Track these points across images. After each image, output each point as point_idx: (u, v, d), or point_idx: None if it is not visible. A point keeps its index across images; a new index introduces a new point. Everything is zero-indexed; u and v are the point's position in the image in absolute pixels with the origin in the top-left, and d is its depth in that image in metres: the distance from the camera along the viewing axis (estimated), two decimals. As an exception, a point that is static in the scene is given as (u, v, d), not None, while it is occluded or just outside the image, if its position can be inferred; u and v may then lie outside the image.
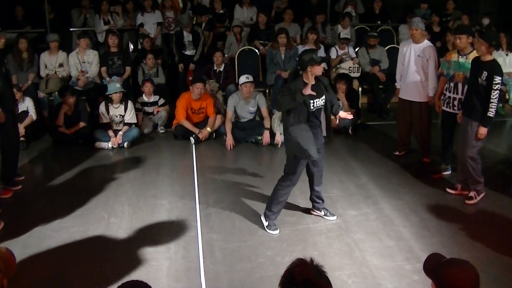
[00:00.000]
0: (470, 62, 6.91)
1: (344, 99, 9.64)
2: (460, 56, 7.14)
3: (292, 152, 5.79)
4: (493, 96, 6.30)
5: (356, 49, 11.52)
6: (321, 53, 10.91)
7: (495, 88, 6.28)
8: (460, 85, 7.13)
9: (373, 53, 11.19)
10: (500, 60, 10.69)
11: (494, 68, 6.37)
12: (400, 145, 8.52)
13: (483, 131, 6.48)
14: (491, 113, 6.38)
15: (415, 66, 7.83)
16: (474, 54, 6.89)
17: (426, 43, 7.87)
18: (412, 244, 5.79)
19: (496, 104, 6.38)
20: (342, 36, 11.39)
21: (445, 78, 7.38)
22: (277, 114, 8.98)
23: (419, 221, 6.34)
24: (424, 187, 7.33)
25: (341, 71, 10.82)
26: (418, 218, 6.41)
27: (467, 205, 6.78)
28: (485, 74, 6.34)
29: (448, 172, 7.70)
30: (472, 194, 6.83)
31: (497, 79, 6.27)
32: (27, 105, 8.94)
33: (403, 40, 11.41)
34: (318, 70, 5.72)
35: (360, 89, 11.07)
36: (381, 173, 7.83)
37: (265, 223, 6.08)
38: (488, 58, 6.44)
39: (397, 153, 8.52)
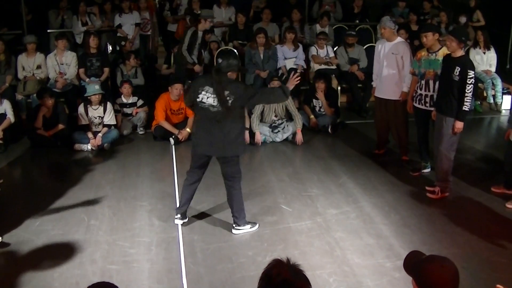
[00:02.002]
0: (440, 59, 7.02)
1: (323, 98, 9.67)
2: (430, 54, 7.22)
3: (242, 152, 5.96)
4: (467, 90, 6.37)
5: (335, 48, 11.54)
6: (300, 52, 10.94)
7: (469, 82, 6.35)
8: (431, 82, 7.21)
9: (351, 52, 11.23)
10: (477, 58, 10.89)
11: (466, 63, 6.48)
12: (379, 144, 8.56)
13: (459, 125, 6.55)
14: (466, 107, 6.46)
15: (389, 64, 7.88)
16: (443, 51, 6.99)
17: (398, 39, 7.92)
18: (392, 242, 5.82)
19: (470, 98, 6.46)
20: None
21: (417, 78, 7.45)
22: (256, 114, 8.99)
23: (399, 219, 6.38)
24: (403, 185, 7.38)
25: (317, 67, 10.87)
26: (398, 216, 6.46)
27: (428, 197, 6.90)
28: (457, 69, 6.41)
29: (428, 170, 7.76)
30: (436, 189, 6.91)
31: (471, 73, 6.35)
32: (4, 107, 8.83)
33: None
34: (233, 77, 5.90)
35: (339, 88, 11.11)
36: (361, 171, 7.86)
37: (249, 226, 6.06)
38: (459, 54, 6.53)
39: (376, 151, 8.57)
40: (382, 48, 7.98)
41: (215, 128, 5.65)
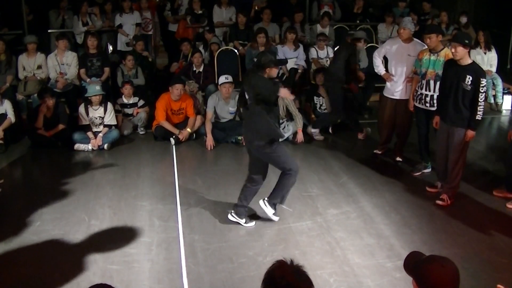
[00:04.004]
0: (441, 59, 6.99)
1: (325, 94, 9.65)
2: (432, 54, 7.19)
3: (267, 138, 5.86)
4: (480, 99, 6.28)
5: (335, 48, 11.50)
6: (300, 52, 10.93)
7: (482, 91, 6.26)
8: (432, 82, 7.19)
9: (352, 52, 11.20)
10: (478, 59, 10.86)
11: (478, 71, 6.35)
12: (380, 144, 8.54)
13: (472, 134, 6.48)
14: (479, 116, 6.37)
15: (403, 65, 7.81)
16: (445, 51, 6.96)
17: (414, 41, 7.85)
18: (393, 242, 5.82)
19: (483, 106, 6.37)
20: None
21: (418, 77, 7.42)
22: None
23: (400, 219, 6.38)
24: (404, 185, 7.38)
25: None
26: (399, 216, 6.45)
27: (436, 205, 6.78)
28: (469, 78, 6.27)
29: (428, 170, 7.75)
30: (444, 196, 6.81)
31: (483, 81, 6.26)
32: (5, 107, 8.83)
33: (382, 39, 11.48)
34: (274, 72, 5.91)
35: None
36: (361, 171, 7.86)
37: (273, 211, 6.20)
38: (467, 61, 6.39)
39: (377, 151, 8.56)
40: (399, 48, 7.89)
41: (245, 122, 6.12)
